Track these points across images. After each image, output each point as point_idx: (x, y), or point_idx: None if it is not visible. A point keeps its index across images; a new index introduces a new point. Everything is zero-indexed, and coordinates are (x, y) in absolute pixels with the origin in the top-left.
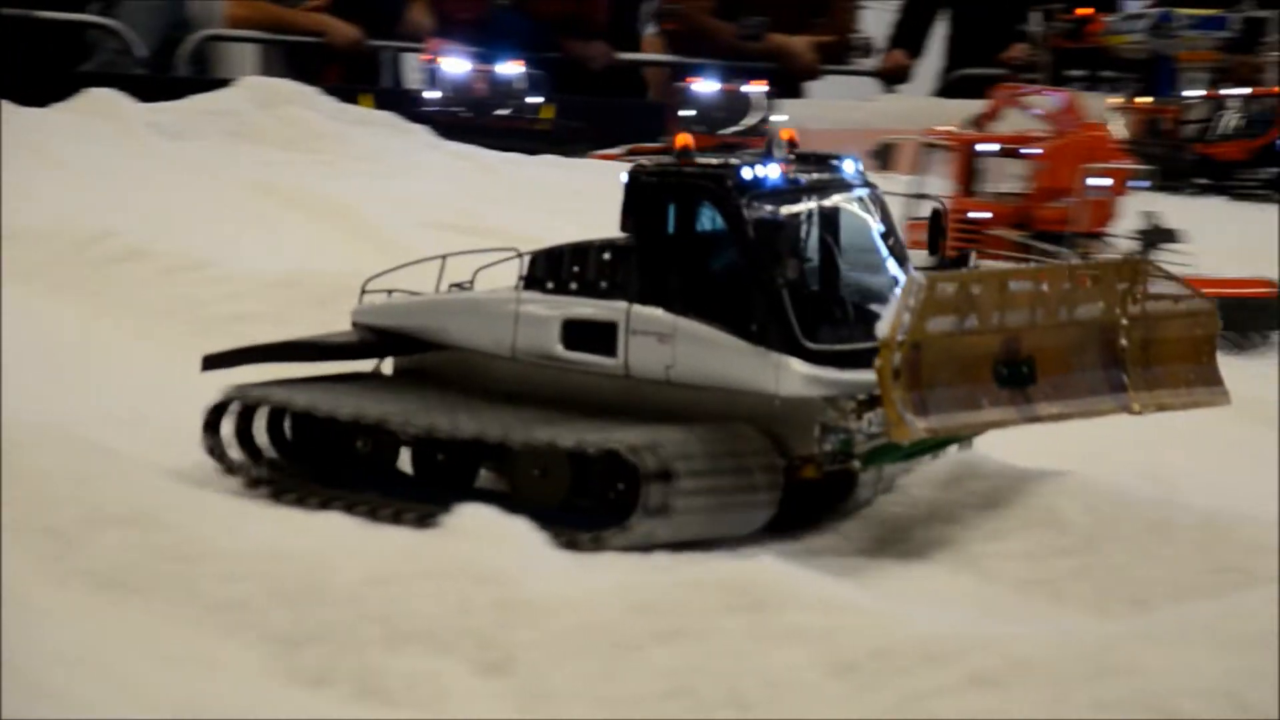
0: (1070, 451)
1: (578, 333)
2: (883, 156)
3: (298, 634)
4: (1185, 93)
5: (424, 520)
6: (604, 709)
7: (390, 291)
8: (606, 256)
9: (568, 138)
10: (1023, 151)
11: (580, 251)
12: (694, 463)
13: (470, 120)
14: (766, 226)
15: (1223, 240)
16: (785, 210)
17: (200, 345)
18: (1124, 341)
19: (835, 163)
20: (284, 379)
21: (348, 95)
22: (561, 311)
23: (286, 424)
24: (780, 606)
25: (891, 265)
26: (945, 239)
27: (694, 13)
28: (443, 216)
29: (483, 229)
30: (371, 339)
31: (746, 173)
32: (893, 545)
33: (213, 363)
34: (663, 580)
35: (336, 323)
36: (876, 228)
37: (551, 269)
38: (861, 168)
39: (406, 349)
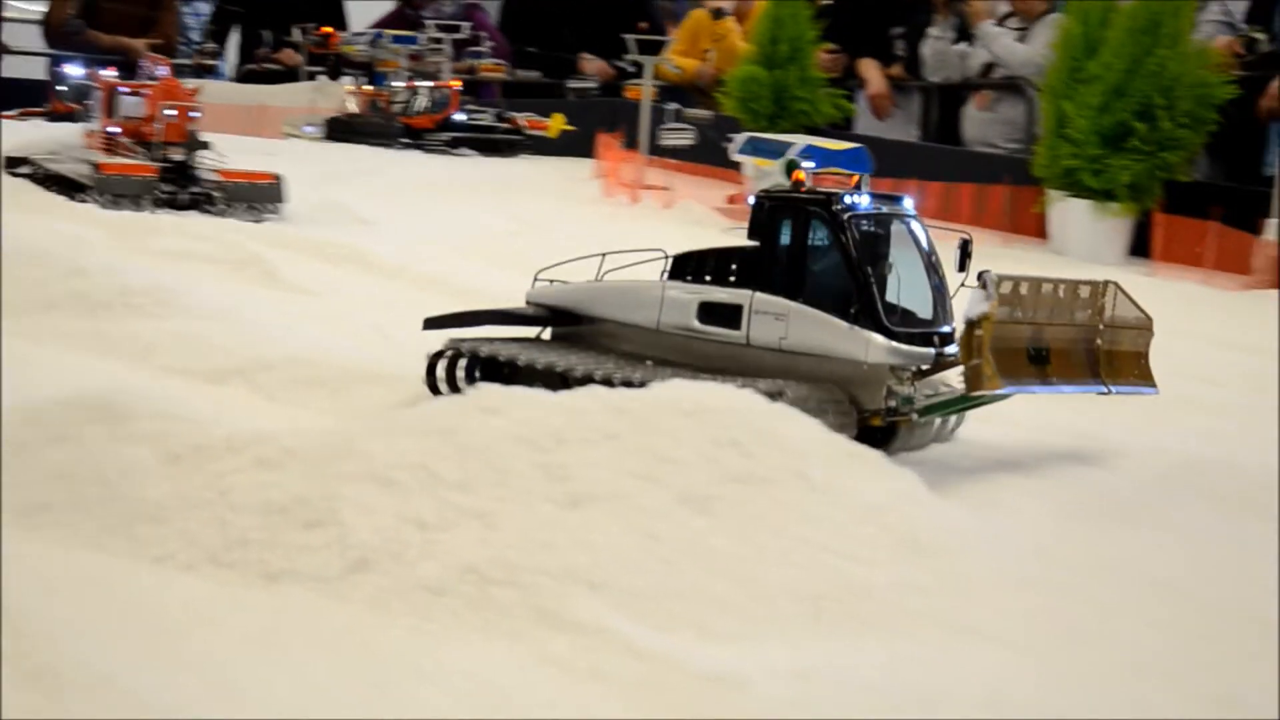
0: None
1: (711, 311)
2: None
3: None
4: (394, 83)
5: None
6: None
7: (551, 281)
8: (736, 258)
9: None
10: (141, 92)
11: (716, 254)
12: (808, 405)
13: None
14: (863, 238)
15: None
16: (874, 228)
17: None
18: (1099, 342)
19: (898, 197)
20: (489, 338)
21: None
22: (699, 296)
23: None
24: (130, 417)
25: (932, 276)
26: (970, 262)
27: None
28: None
29: None
30: (545, 313)
31: (848, 200)
32: None
33: (433, 323)
34: (49, 400)
35: None
36: (924, 246)
37: (691, 266)
38: (912, 202)
39: (570, 321)
